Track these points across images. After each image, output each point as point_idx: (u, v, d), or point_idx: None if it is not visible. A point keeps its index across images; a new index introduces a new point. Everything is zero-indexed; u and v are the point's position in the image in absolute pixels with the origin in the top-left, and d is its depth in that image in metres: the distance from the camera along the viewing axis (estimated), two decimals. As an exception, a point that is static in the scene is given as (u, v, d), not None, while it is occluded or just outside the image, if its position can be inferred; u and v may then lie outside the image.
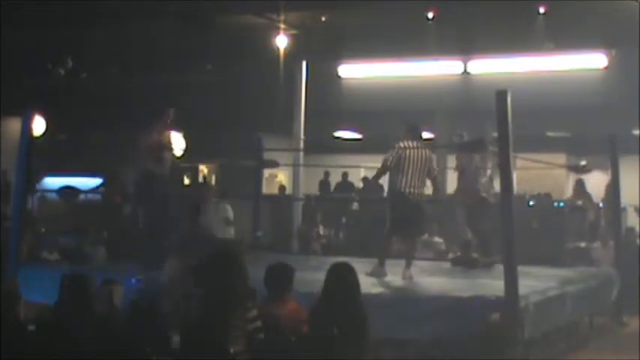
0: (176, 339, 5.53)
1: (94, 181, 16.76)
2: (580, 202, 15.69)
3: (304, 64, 17.95)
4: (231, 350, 5.18)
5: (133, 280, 7.92)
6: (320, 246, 15.92)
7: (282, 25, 17.14)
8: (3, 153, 15.10)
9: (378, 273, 9.06)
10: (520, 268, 7.63)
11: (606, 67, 17.01)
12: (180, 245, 8.74)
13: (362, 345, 5.65)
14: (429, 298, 8.06)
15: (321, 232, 16.48)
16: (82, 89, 18.99)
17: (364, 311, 5.76)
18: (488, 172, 11.29)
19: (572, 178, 17.82)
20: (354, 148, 22.61)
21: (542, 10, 15.81)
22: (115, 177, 16.68)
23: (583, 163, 16.30)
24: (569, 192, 17.53)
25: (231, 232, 11.86)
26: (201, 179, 20.90)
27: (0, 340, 5.35)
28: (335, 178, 20.36)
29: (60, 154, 17.73)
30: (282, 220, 17.27)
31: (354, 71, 19.20)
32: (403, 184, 9.11)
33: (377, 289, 8.17)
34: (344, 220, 18.33)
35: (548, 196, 17.45)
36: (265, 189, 16.06)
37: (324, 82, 18.52)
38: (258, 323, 5.41)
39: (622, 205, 12.86)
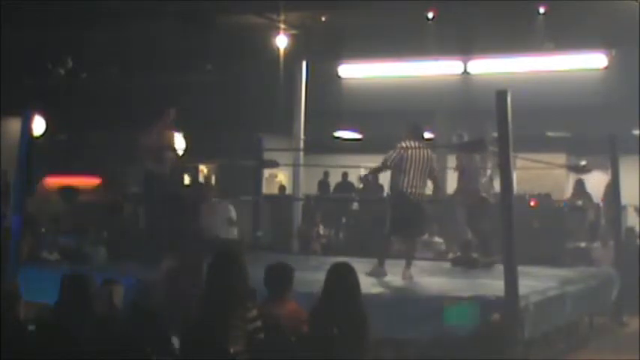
0: (176, 339, 5.53)
1: (94, 181, 16.75)
2: (580, 202, 15.69)
3: (304, 64, 17.95)
4: (231, 350, 5.18)
5: (133, 281, 7.91)
6: (320, 246, 15.92)
7: (282, 25, 17.14)
8: (3, 153, 15.10)
9: (377, 273, 9.06)
10: (520, 268, 7.63)
11: (606, 67, 17.01)
12: (178, 244, 8.74)
13: (362, 345, 5.65)
14: (429, 298, 8.06)
15: (321, 232, 16.48)
16: (82, 89, 18.99)
17: (364, 311, 5.76)
18: (488, 172, 11.29)
19: (572, 178, 17.82)
20: (354, 148, 22.61)
21: (542, 10, 15.81)
22: (115, 177, 16.70)
23: (583, 163, 16.30)
24: (569, 192, 17.53)
25: (234, 233, 11.85)
26: (201, 179, 20.90)
27: (0, 340, 5.35)
28: (335, 178, 20.36)
29: (60, 154, 17.74)
30: (282, 220, 17.26)
31: (354, 71, 19.20)
32: (405, 184, 9.11)
33: (377, 289, 8.17)
34: (344, 220, 18.34)
35: (548, 196, 17.45)
36: (265, 189, 16.06)
37: (324, 82, 18.52)
38: (258, 323, 5.41)
39: (622, 205, 12.86)
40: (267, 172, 17.16)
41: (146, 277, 7.82)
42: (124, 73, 18.93)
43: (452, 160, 12.33)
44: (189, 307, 5.97)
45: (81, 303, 6.03)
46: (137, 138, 10.04)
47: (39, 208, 12.41)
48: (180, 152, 10.13)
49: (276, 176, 22.14)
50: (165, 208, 9.83)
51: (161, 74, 18.19)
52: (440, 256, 12.62)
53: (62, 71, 19.01)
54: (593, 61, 17.19)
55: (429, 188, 9.52)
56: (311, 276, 7.40)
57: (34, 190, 13.24)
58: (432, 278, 9.44)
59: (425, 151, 9.25)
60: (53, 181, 15.79)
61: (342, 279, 5.85)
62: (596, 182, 15.79)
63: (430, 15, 16.37)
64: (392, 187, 9.45)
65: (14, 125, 13.19)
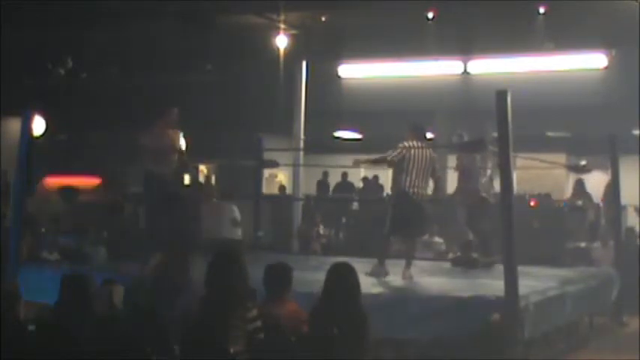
0: (176, 339, 5.53)
1: (94, 181, 16.75)
2: (580, 202, 15.69)
3: (304, 64, 17.95)
4: (231, 350, 5.18)
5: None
6: (320, 246, 15.92)
7: (282, 25, 17.14)
8: (3, 153, 15.10)
9: (378, 272, 9.05)
10: (520, 268, 7.63)
11: (606, 67, 17.02)
12: (176, 244, 8.74)
13: (362, 345, 5.65)
14: (429, 298, 8.06)
15: (321, 232, 16.49)
16: (82, 89, 19.00)
17: (364, 311, 5.76)
18: (489, 172, 11.29)
19: (572, 178, 17.82)
20: (354, 148, 22.61)
21: (542, 10, 15.81)
22: (115, 177, 16.70)
23: (583, 163, 16.29)
24: (569, 192, 17.53)
25: (238, 233, 11.84)
26: (201, 179, 20.89)
27: (0, 340, 5.35)
28: (335, 178, 20.37)
29: (60, 154, 17.74)
30: (282, 220, 17.27)
31: (354, 71, 19.20)
32: (407, 184, 9.10)
33: (377, 289, 8.16)
34: (344, 220, 18.34)
35: (548, 196, 17.46)
36: (265, 189, 16.06)
37: (324, 82, 18.52)
38: (258, 323, 5.41)
39: (622, 205, 12.86)
40: (267, 172, 17.17)
41: (135, 275, 7.80)
42: (124, 73, 18.94)
43: (452, 160, 12.34)
44: (176, 303, 5.99)
45: (81, 303, 6.03)
46: (138, 138, 10.02)
47: (39, 208, 12.41)
48: (183, 152, 10.07)
49: (276, 176, 22.15)
50: (167, 209, 9.81)
51: (161, 74, 18.19)
52: (440, 256, 12.61)
53: (62, 71, 19.02)
54: (593, 61, 17.19)
55: (431, 188, 9.52)
56: (311, 276, 7.40)
57: (34, 190, 13.24)
58: (432, 278, 9.44)
59: (427, 151, 9.25)
60: (53, 181, 15.79)
61: (342, 279, 5.85)
62: (596, 182, 15.79)
63: (430, 15, 16.38)
64: (393, 186, 9.44)
65: (14, 125, 13.18)
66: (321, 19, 17.15)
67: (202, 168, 21.84)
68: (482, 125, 10.94)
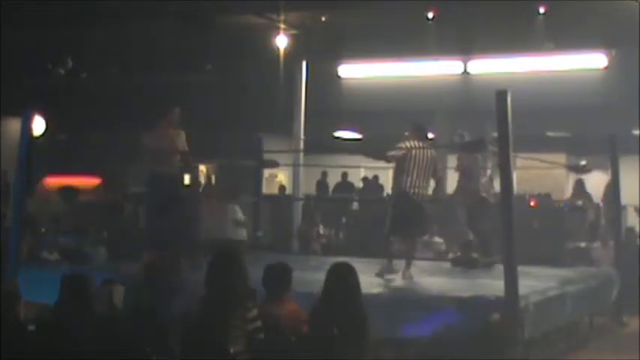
0: (176, 339, 5.53)
1: (94, 181, 16.75)
2: (580, 202, 15.68)
3: (304, 64, 17.95)
4: (231, 350, 5.18)
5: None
6: (320, 246, 15.93)
7: (282, 25, 17.14)
8: (3, 153, 15.09)
9: (388, 270, 9.04)
10: (520, 268, 7.63)
11: (606, 67, 17.02)
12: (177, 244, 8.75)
13: (362, 345, 5.66)
14: (429, 298, 8.06)
15: (321, 232, 16.49)
16: (82, 89, 18.99)
17: (364, 311, 5.76)
18: (489, 172, 11.29)
19: (572, 178, 17.82)
20: (354, 148, 22.60)
21: (542, 10, 15.81)
22: (115, 177, 16.70)
23: (583, 163, 16.29)
24: (569, 192, 17.53)
25: (242, 234, 11.83)
26: (202, 180, 20.89)
27: (0, 340, 5.35)
28: (335, 178, 20.37)
29: (60, 154, 17.74)
30: (282, 220, 17.27)
31: (354, 71, 19.20)
32: (408, 185, 9.10)
33: (377, 289, 8.16)
34: (344, 220, 18.34)
35: (548, 196, 17.46)
36: (265, 189, 16.06)
37: (324, 82, 18.52)
38: (258, 323, 5.41)
39: (622, 205, 12.86)
40: (267, 172, 17.17)
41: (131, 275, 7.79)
42: (124, 73, 18.93)
43: (452, 160, 12.33)
44: (168, 302, 5.99)
45: (81, 303, 6.03)
46: (140, 138, 10.02)
47: (39, 208, 12.42)
48: (186, 152, 10.07)
49: (276, 176, 22.14)
50: (169, 209, 9.81)
51: (161, 74, 18.19)
52: (440, 256, 12.61)
53: (62, 71, 19.01)
54: (593, 61, 17.19)
55: (431, 188, 9.51)
56: (311, 276, 7.40)
57: (34, 190, 13.24)
58: (432, 278, 9.44)
59: (428, 152, 9.25)
60: (53, 181, 15.80)
61: (342, 279, 5.85)
62: (596, 182, 15.79)
63: (430, 15, 16.37)
64: (394, 186, 9.44)
65: (14, 125, 13.18)
66: (321, 19, 17.14)
67: (202, 168, 21.83)
68: (482, 125, 10.94)
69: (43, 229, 11.86)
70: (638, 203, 15.66)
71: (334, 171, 19.94)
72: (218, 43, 17.61)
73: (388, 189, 18.28)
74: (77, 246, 10.94)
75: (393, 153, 9.19)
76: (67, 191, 13.46)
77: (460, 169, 11.27)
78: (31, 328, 5.67)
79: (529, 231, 13.56)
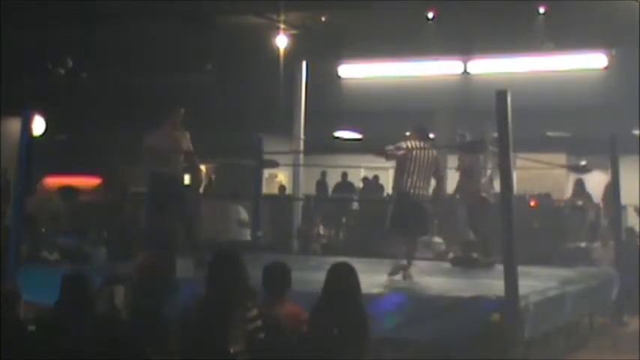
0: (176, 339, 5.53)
1: (94, 181, 16.76)
2: (580, 202, 15.68)
3: (304, 64, 17.96)
4: (231, 350, 5.18)
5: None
6: (320, 246, 15.93)
7: (282, 25, 17.15)
8: (3, 152, 15.10)
9: (400, 268, 9.04)
10: (520, 268, 7.62)
11: (606, 67, 17.03)
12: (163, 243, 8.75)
13: (362, 345, 5.66)
14: (429, 298, 8.06)
15: (321, 232, 16.49)
16: (82, 89, 18.99)
17: (364, 311, 5.76)
18: (489, 172, 11.28)
19: (572, 178, 17.83)
20: (354, 148, 22.61)
21: (542, 10, 15.82)
22: (115, 177, 16.69)
23: (583, 163, 16.30)
24: (569, 192, 17.53)
25: (247, 234, 11.83)
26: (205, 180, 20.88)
27: (0, 340, 5.35)
28: (335, 178, 20.37)
29: (60, 154, 17.74)
30: (282, 220, 17.27)
31: (354, 71, 19.22)
32: (408, 185, 9.10)
33: (377, 289, 8.16)
34: (344, 220, 18.35)
35: (548, 196, 17.46)
36: (265, 189, 16.06)
37: (324, 82, 18.53)
38: (258, 323, 5.41)
39: (622, 205, 12.86)
40: (267, 172, 17.18)
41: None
42: (124, 73, 18.94)
43: (452, 160, 12.33)
44: (161, 302, 5.99)
45: (81, 303, 6.03)
46: (139, 138, 10.01)
47: (39, 208, 12.42)
48: (190, 152, 10.06)
49: (276, 176, 22.15)
50: (171, 209, 9.80)
51: (161, 74, 18.19)
52: (440, 256, 12.61)
53: (62, 71, 19.02)
54: (593, 61, 17.21)
55: (432, 187, 9.51)
56: (311, 276, 7.40)
57: (34, 190, 13.25)
58: (432, 278, 9.43)
59: (429, 152, 9.24)
60: (53, 181, 15.80)
61: (342, 279, 5.85)
62: (596, 182, 15.79)
63: (430, 15, 16.39)
64: (395, 186, 9.43)
65: (14, 125, 13.18)
66: (321, 19, 17.16)
67: (202, 168, 21.82)
68: (482, 125, 10.93)
69: (43, 229, 11.86)
70: (638, 203, 15.65)
71: (334, 171, 19.95)
72: (218, 43, 17.62)
73: (388, 189, 18.32)
74: (77, 246, 10.94)
75: (393, 151, 9.18)
76: (67, 191, 13.47)
77: (461, 169, 11.27)
78: (31, 328, 5.67)
79: (529, 231, 13.57)
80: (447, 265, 11.04)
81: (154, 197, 9.90)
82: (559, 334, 9.21)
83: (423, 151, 9.14)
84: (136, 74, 18.59)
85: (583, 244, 13.75)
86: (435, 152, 9.37)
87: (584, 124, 18.22)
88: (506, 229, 7.71)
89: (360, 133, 22.65)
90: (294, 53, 17.59)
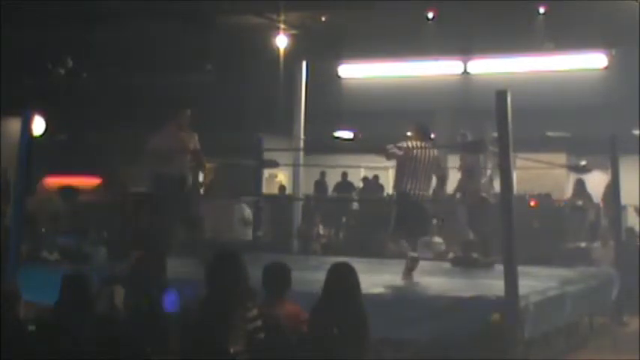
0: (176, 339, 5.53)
1: (94, 181, 16.76)
2: (580, 202, 15.68)
3: (304, 64, 17.95)
4: (231, 350, 5.18)
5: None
6: (320, 246, 15.93)
7: (282, 25, 17.15)
8: (3, 152, 15.10)
9: (411, 267, 9.04)
10: (520, 268, 7.63)
11: (606, 67, 17.03)
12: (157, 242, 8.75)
13: (362, 345, 5.66)
14: (429, 298, 8.06)
15: (321, 232, 16.49)
16: (82, 89, 18.99)
17: (364, 311, 5.76)
18: (489, 172, 11.28)
19: (572, 178, 17.83)
20: (354, 148, 22.61)
21: (542, 10, 15.82)
22: (115, 177, 16.69)
23: (583, 163, 16.30)
24: (569, 192, 17.53)
25: (250, 233, 11.82)
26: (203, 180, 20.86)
27: (0, 340, 5.35)
28: (335, 178, 20.37)
29: (60, 154, 17.74)
30: (282, 220, 17.27)
31: (354, 71, 19.22)
32: (409, 185, 9.10)
33: (377, 289, 8.16)
34: (344, 220, 18.35)
35: (548, 196, 17.46)
36: (265, 189, 16.06)
37: (324, 82, 18.53)
38: (258, 323, 5.41)
39: (622, 205, 12.86)
40: (267, 172, 17.18)
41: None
42: (124, 73, 18.94)
43: (452, 160, 12.33)
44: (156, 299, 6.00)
45: (81, 303, 6.03)
46: (141, 138, 10.02)
47: (39, 208, 12.42)
48: (198, 151, 10.07)
49: (276, 176, 22.15)
50: (176, 210, 9.81)
51: (161, 74, 18.19)
52: (440, 256, 12.61)
53: (62, 71, 19.02)
54: (593, 61, 17.21)
55: (433, 186, 9.51)
56: (311, 276, 7.40)
57: (34, 190, 13.24)
58: (432, 278, 9.43)
59: (430, 151, 9.24)
60: (53, 181, 15.80)
61: (342, 279, 5.85)
62: (596, 182, 15.79)
63: (430, 15, 16.38)
64: (396, 186, 9.43)
65: (14, 125, 13.18)
66: (321, 19, 17.15)
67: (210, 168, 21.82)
68: (482, 125, 10.93)
69: (43, 229, 11.85)
70: (638, 203, 15.65)
71: (334, 171, 19.95)
72: (218, 43, 17.61)
73: (388, 189, 18.33)
74: (77, 246, 10.94)
75: (393, 150, 9.18)
76: (67, 191, 13.46)
77: (462, 168, 11.27)
78: (31, 328, 5.67)
79: (529, 231, 13.56)
80: (447, 265, 11.04)
81: (157, 197, 9.91)
82: (559, 334, 9.21)
83: (423, 151, 9.13)
84: (136, 74, 18.58)
85: (583, 244, 13.75)
86: (436, 152, 9.37)
87: (584, 124, 18.22)
88: (506, 229, 7.71)
89: (360, 132, 22.65)
90: (294, 53, 17.58)
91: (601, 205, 15.63)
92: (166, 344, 5.52)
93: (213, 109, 18.34)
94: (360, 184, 20.53)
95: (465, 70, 17.93)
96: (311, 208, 17.86)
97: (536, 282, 8.73)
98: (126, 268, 7.15)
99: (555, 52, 17.01)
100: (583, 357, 9.29)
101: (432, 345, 7.39)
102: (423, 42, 16.67)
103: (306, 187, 19.44)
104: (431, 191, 9.42)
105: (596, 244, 13.55)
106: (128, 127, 15.94)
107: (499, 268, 8.23)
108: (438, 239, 13.87)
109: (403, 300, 8.00)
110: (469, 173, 11.13)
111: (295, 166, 17.67)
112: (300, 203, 17.83)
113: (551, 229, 14.55)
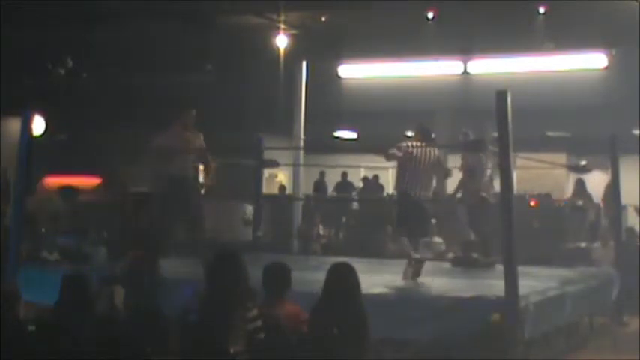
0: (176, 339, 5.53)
1: (94, 181, 16.76)
2: (580, 202, 15.68)
3: (304, 64, 17.95)
4: (231, 350, 5.18)
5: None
6: (320, 246, 15.93)
7: (282, 25, 17.15)
8: (3, 152, 15.09)
9: (416, 269, 9.04)
10: (520, 268, 7.63)
11: (606, 67, 17.03)
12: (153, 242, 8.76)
13: (362, 345, 5.66)
14: (429, 298, 8.06)
15: (321, 232, 16.49)
16: (82, 89, 18.99)
17: (364, 311, 5.76)
18: (489, 172, 11.28)
19: (572, 178, 17.83)
20: (354, 148, 22.61)
21: (542, 10, 15.82)
22: (115, 177, 16.69)
23: (583, 163, 16.30)
24: (569, 192, 17.53)
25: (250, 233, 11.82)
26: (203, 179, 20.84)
27: (0, 340, 5.35)
28: (335, 178, 20.37)
29: (60, 154, 17.74)
30: (282, 220, 17.27)
31: (354, 71, 19.22)
32: (410, 185, 9.09)
33: (377, 289, 8.16)
34: (344, 220, 18.35)
35: (548, 196, 17.45)
36: (265, 189, 16.06)
37: (324, 82, 18.53)
38: (258, 323, 5.41)
39: (622, 205, 12.86)
40: (267, 172, 17.17)
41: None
42: (124, 73, 18.94)
43: (452, 160, 12.33)
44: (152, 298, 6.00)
45: (81, 303, 6.04)
46: (141, 138, 10.02)
47: (39, 208, 12.41)
48: (203, 151, 10.07)
49: (276, 176, 22.15)
50: (179, 209, 9.80)
51: (161, 74, 18.19)
52: (440, 256, 12.61)
53: (62, 71, 19.02)
54: (593, 61, 17.21)
55: (434, 186, 9.51)
56: (311, 276, 7.40)
57: (34, 190, 13.23)
58: (432, 278, 9.43)
59: (431, 151, 9.24)
60: (53, 181, 15.80)
61: (342, 279, 5.85)
62: (596, 182, 15.79)
63: (430, 15, 16.39)
64: (397, 186, 9.43)
65: (14, 125, 13.18)
66: (321, 19, 17.16)
67: (202, 168, 21.80)
68: (482, 125, 10.93)
69: (43, 229, 11.85)
70: (638, 203, 15.66)
71: (334, 171, 19.95)
72: (218, 43, 17.61)
73: (388, 189, 18.33)
74: (77, 246, 10.94)
75: (393, 152, 9.19)
76: (67, 191, 13.46)
77: (464, 168, 11.26)
78: (31, 328, 5.67)
79: (529, 231, 13.56)
80: (447, 265, 11.04)
81: (160, 197, 9.92)
82: (559, 334, 9.21)
83: (424, 151, 9.14)
84: (136, 74, 18.58)
85: (583, 244, 13.75)
86: (436, 152, 9.37)
87: (584, 124, 18.23)
88: (506, 229, 7.71)
89: (360, 133, 22.65)
90: (294, 53, 17.59)
91: (601, 205, 15.64)
92: (166, 344, 5.52)
93: (214, 109, 18.34)
94: (360, 184, 20.52)
95: (465, 70, 17.93)
96: (311, 208, 17.86)
97: (536, 282, 8.72)
98: (123, 267, 7.16)
99: (555, 52, 17.01)
100: (583, 357, 9.29)
101: (432, 345, 7.39)
102: (423, 42, 16.67)
103: (307, 187, 19.44)
104: (432, 191, 9.43)
105: (596, 244, 13.55)
106: (128, 127, 15.95)
107: (499, 268, 8.23)
108: (438, 239, 13.89)
109: (403, 300, 8.00)
110: (470, 173, 11.12)
111: (295, 166, 17.67)
112: (300, 203, 17.83)
113: (551, 229, 14.55)
